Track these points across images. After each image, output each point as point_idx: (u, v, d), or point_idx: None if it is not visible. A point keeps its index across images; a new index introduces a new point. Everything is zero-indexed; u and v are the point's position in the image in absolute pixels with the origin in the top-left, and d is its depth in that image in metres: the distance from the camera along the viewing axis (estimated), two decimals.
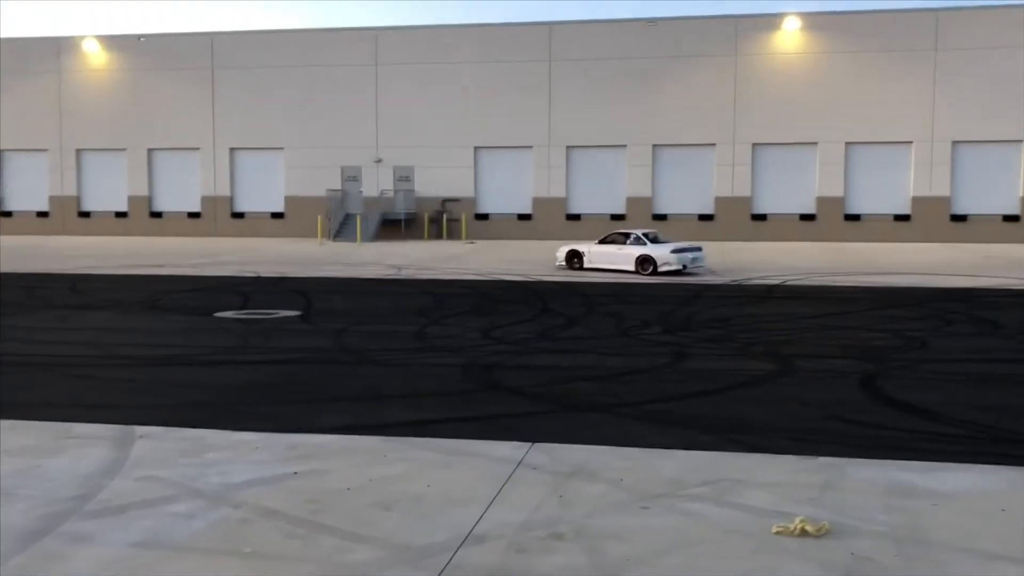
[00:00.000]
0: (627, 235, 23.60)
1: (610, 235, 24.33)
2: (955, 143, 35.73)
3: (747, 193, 37.34)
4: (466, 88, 38.85)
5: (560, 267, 24.06)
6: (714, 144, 37.42)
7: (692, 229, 37.15)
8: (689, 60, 37.26)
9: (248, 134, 40.87)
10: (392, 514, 5.77)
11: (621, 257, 23.10)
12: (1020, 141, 35.30)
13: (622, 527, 5.56)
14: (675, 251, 22.48)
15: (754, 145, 37.14)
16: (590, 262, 23.65)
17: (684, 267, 22.38)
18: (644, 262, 22.55)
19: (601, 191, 38.59)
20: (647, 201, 38.15)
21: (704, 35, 37.26)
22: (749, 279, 21.84)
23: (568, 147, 38.70)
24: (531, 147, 38.88)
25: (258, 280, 22.03)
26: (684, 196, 37.89)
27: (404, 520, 5.67)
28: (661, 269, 22.29)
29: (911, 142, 36.03)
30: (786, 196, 37.13)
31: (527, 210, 39.30)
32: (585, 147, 38.65)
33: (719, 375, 10.56)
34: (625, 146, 38.23)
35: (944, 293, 18.82)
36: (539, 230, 38.45)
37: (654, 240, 23.18)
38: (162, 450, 7.22)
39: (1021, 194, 35.48)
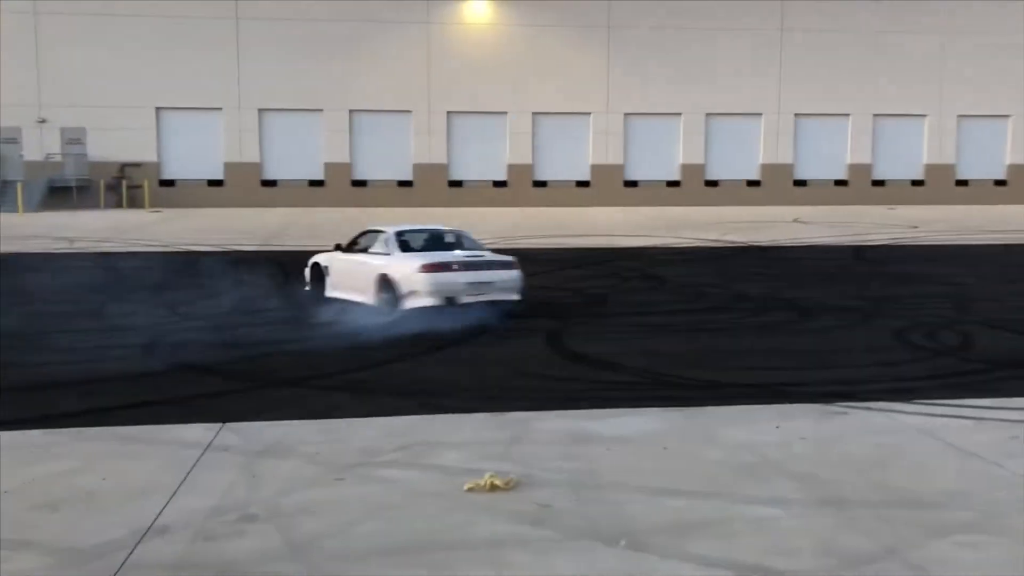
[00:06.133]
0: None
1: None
2: (626, 115, 38.84)
3: (444, 160, 38.12)
4: (145, 43, 35.71)
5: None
6: (411, 111, 37.71)
7: (393, 195, 37.31)
8: (383, 25, 37.09)
9: None
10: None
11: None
12: (679, 114, 39.15)
13: (315, 501, 5.47)
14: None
15: (448, 113, 37.95)
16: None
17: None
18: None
19: (298, 156, 37.47)
20: (346, 167, 37.69)
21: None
22: None
23: (260, 109, 37.12)
24: (221, 108, 36.81)
25: None
26: (384, 163, 37.85)
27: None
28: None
29: (590, 113, 38.63)
30: (482, 163, 38.33)
31: (218, 176, 37.29)
32: (279, 110, 37.29)
33: (417, 340, 10.69)
34: (321, 110, 37.40)
35: (619, 253, 20.52)
36: (232, 197, 36.63)
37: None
38: None
39: (680, 161, 39.47)
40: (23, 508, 5.32)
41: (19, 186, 32.69)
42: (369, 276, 11.94)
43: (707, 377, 8.93)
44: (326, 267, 13.15)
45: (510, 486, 5.68)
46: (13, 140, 35.43)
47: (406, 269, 11.47)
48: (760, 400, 7.93)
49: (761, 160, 39.67)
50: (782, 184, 39.46)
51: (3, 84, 35.06)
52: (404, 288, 11.38)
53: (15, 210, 32.14)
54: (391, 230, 12.46)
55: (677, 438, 6.80)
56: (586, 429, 6.97)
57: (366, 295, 11.99)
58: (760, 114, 39.38)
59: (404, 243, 12.14)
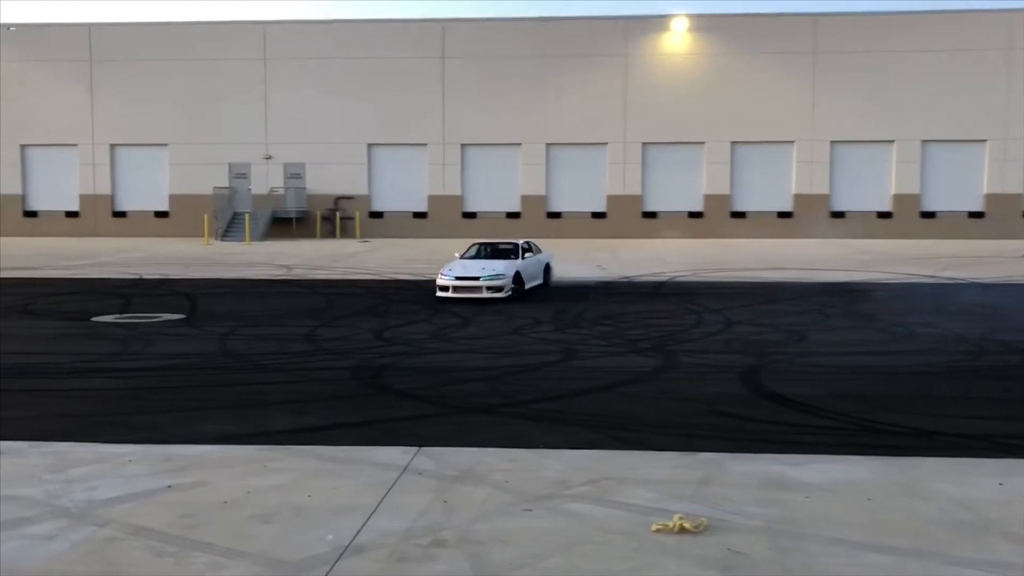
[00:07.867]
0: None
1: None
2: (833, 143, 37.27)
3: (638, 191, 38.05)
4: (359, 84, 38.32)
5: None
6: (606, 143, 37.99)
7: (586, 226, 37.67)
8: (580, 59, 37.70)
9: (129, 130, 39.29)
10: (270, 526, 5.63)
11: None
12: (892, 141, 37.09)
13: (505, 531, 5.56)
14: None
15: (643, 144, 37.87)
16: None
17: None
18: None
19: (496, 189, 38.67)
20: (542, 199, 38.46)
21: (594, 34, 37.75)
22: (640, 276, 22.27)
23: (463, 144, 38.64)
24: (425, 144, 38.66)
25: (140, 282, 21.20)
26: (578, 194, 38.31)
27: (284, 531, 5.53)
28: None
29: (793, 141, 37.40)
30: (676, 194, 37.98)
31: (422, 208, 39.09)
32: (479, 145, 38.67)
33: (604, 372, 10.70)
34: (519, 144, 38.42)
35: (822, 288, 19.60)
36: (435, 228, 38.29)
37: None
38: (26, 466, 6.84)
39: (892, 191, 37.28)
40: (242, 519, 5.76)
41: (247, 217, 35.71)
42: (541, 265, 19.38)
43: (917, 424, 8.32)
44: (520, 271, 18.15)
45: (700, 529, 5.53)
46: (243, 175, 38.85)
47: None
48: (978, 452, 7.30)
49: (985, 190, 36.79)
50: (1009, 215, 36.38)
51: (237, 125, 38.61)
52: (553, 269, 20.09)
53: (243, 239, 35.11)
54: (522, 241, 19.57)
55: (882, 489, 6.37)
56: (782, 474, 6.68)
57: (537, 279, 18.96)
58: (984, 140, 36.60)
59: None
